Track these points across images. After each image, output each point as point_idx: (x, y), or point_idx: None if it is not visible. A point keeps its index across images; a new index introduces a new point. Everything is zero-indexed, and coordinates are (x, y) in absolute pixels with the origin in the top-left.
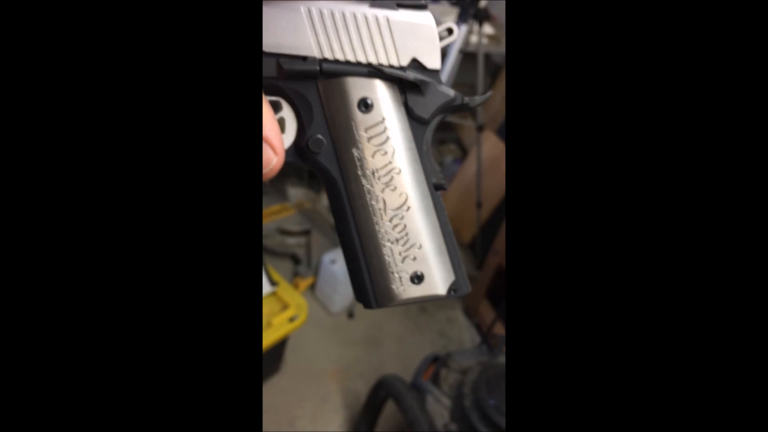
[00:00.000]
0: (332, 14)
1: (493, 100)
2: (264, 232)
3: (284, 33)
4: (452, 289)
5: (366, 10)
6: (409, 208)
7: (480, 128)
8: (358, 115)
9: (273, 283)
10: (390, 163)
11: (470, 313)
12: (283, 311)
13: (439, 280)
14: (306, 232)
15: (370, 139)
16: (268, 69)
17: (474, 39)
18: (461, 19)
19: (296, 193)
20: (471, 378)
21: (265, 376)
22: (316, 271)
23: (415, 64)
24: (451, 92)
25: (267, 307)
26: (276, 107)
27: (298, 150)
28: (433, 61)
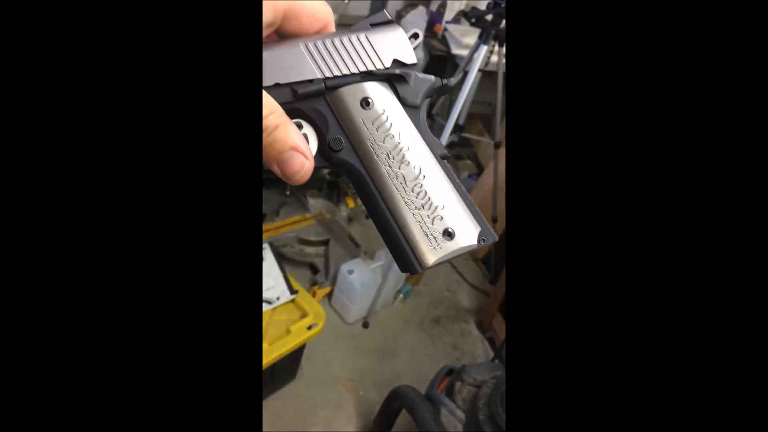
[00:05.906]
0: (323, 44)
1: None
2: (284, 241)
3: (291, 67)
4: (481, 238)
5: (346, 35)
6: (425, 176)
7: (497, 145)
8: (363, 113)
9: (293, 291)
10: (399, 143)
11: (483, 327)
12: (301, 319)
13: (468, 233)
14: (325, 242)
15: (377, 128)
16: (286, 96)
17: (494, 59)
18: (482, 39)
19: (316, 204)
20: (485, 392)
21: (283, 382)
22: (333, 280)
23: (397, 62)
24: (431, 77)
25: (286, 315)
26: (299, 127)
27: (323, 155)
28: (410, 58)
